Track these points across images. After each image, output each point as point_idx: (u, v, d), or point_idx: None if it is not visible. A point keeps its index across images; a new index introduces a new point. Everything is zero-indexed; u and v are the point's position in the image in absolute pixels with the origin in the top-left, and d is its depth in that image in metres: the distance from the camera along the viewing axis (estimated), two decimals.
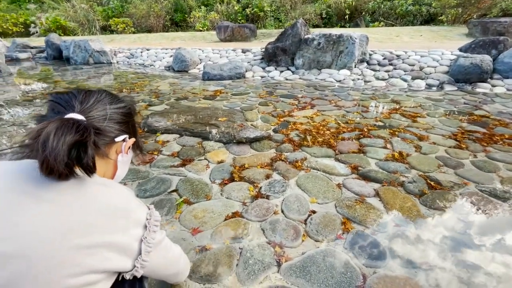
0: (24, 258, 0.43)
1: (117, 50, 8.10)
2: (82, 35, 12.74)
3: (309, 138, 2.29)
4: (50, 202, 0.48)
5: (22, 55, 8.50)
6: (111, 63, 7.47)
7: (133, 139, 0.69)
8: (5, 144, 2.27)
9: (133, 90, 4.19)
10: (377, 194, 1.54)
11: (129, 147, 0.69)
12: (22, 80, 5.31)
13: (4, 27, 12.92)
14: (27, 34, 13.48)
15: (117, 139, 0.62)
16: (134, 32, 12.59)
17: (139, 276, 0.59)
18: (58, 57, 8.23)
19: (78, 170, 0.51)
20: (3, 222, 0.44)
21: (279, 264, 1.10)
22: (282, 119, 2.75)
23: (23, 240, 0.44)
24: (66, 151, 0.46)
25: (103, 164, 0.62)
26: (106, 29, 13.41)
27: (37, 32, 13.37)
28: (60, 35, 11.15)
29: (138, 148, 0.75)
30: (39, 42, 9.77)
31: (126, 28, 12.62)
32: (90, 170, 0.52)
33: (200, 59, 6.29)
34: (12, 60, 8.07)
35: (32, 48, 9.13)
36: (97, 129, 0.55)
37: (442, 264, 1.10)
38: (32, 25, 13.45)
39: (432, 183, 1.64)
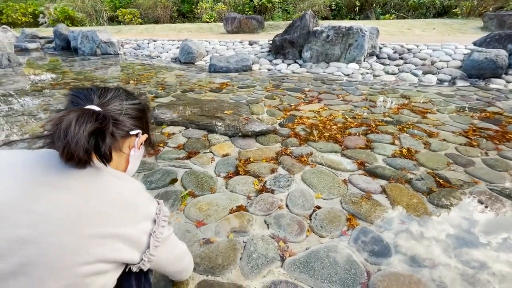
0: (37, 245, 0.44)
1: (124, 41, 8.10)
2: (89, 25, 12.76)
3: (315, 132, 2.27)
4: (66, 189, 0.49)
5: (31, 45, 8.58)
6: (118, 54, 7.48)
7: (145, 135, 0.70)
8: (15, 133, 2.31)
9: (139, 81, 4.20)
10: (383, 191, 1.52)
11: (142, 143, 0.70)
12: (31, 70, 5.37)
13: (14, 17, 13.04)
14: (36, 24, 13.57)
15: (131, 132, 0.63)
16: (141, 23, 12.55)
17: (145, 269, 0.60)
18: (66, 47, 8.28)
19: (95, 159, 0.53)
20: (20, 209, 0.45)
21: (282, 259, 1.10)
22: (288, 113, 2.72)
23: (37, 226, 0.45)
24: (86, 137, 0.48)
25: (116, 157, 0.63)
26: (113, 20, 13.40)
27: (45, 23, 13.45)
28: (68, 25, 11.20)
29: (150, 144, 0.77)
30: (48, 32, 9.83)
31: (133, 19, 12.58)
32: (106, 158, 0.54)
33: (207, 51, 6.25)
34: (21, 50, 8.16)
35: (40, 38, 9.20)
36: (115, 120, 0.57)
37: (448, 263, 1.08)
38: (41, 15, 13.52)
39: (440, 181, 1.61)
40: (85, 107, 0.54)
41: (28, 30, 9.48)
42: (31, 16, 13.45)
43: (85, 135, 0.48)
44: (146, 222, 0.58)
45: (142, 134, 0.68)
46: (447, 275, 1.03)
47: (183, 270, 0.84)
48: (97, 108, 0.55)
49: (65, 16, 12.66)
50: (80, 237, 0.47)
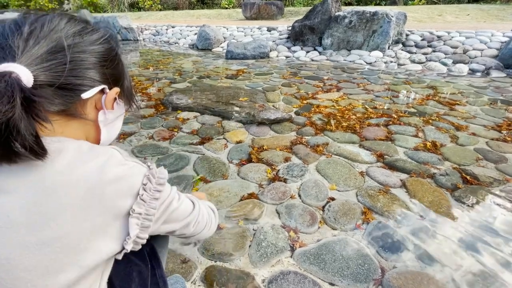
0: None
1: (144, 27, 8.16)
2: (111, 11, 12.97)
3: (332, 122, 2.18)
4: (7, 193, 0.35)
5: None
6: (137, 40, 7.57)
7: (116, 89, 0.47)
8: None
9: (157, 67, 4.22)
10: (403, 185, 1.44)
11: (115, 98, 0.48)
12: None
13: (41, 3, 13.47)
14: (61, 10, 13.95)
15: (84, 96, 0.41)
16: (160, 9, 12.58)
17: (137, 248, 0.45)
18: None
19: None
20: None
21: (292, 249, 1.07)
22: (305, 102, 2.63)
23: None
24: None
25: (79, 126, 0.44)
26: (134, 6, 13.52)
27: (70, 9, 13.81)
28: (91, 11, 11.44)
29: (129, 97, 0.53)
30: None
31: (153, 5, 12.63)
32: (33, 152, 0.35)
33: (224, 37, 6.16)
34: None
35: None
36: (39, 96, 0.35)
37: (469, 265, 1.00)
38: (66, 1, 13.90)
39: (467, 177, 1.49)
40: None
41: None
42: (56, 2, 13.86)
43: None
44: (120, 202, 0.41)
45: (110, 88, 0.46)
46: (468, 278, 0.96)
47: (204, 229, 0.60)
48: (16, 69, 0.33)
49: (88, 2, 12.93)
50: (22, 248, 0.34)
